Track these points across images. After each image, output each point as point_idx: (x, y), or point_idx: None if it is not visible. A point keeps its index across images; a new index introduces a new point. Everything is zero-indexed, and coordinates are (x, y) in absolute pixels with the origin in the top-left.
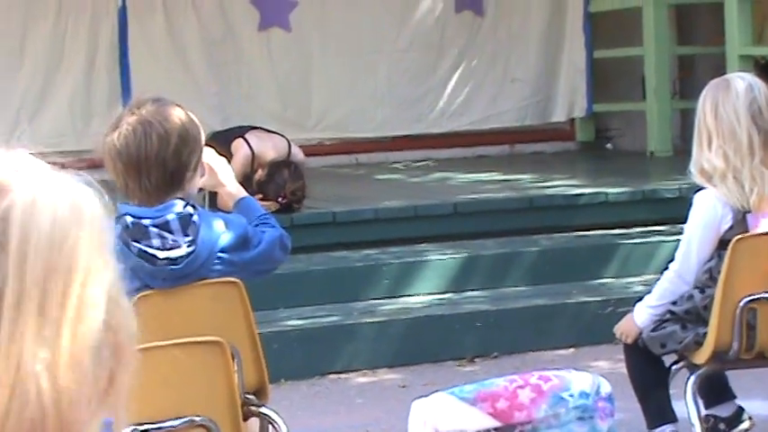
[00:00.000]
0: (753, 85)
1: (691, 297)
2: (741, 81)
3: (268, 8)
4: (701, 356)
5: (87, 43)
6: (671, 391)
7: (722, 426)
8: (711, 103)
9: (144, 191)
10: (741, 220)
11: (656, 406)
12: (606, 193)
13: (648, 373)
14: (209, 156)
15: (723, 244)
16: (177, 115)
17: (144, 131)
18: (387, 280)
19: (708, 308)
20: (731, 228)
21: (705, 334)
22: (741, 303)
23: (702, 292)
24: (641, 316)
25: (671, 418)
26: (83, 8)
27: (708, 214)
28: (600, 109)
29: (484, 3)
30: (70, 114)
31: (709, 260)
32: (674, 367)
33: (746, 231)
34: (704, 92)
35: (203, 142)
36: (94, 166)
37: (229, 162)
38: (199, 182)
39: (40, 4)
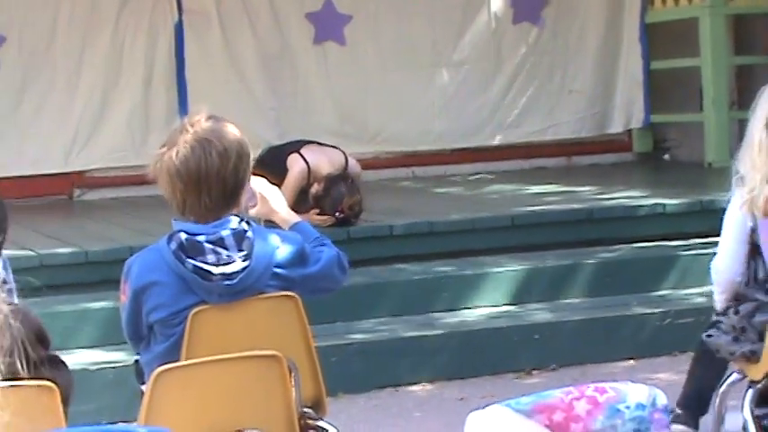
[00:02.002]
0: None
1: (735, 313)
2: None
3: (323, 22)
4: (758, 372)
5: (145, 59)
6: (731, 403)
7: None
8: (752, 110)
9: (204, 207)
10: (755, 227)
11: (696, 393)
12: (664, 205)
13: (706, 364)
14: (261, 185)
15: (756, 249)
16: (232, 132)
17: (203, 149)
18: (445, 293)
19: (745, 329)
20: (753, 230)
21: (752, 352)
22: None
23: (737, 312)
24: (715, 300)
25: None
26: (140, 24)
27: (735, 209)
28: (657, 120)
29: (543, 14)
30: (129, 129)
31: (746, 265)
32: (732, 377)
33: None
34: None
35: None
36: (150, 182)
37: (284, 178)
38: (251, 207)
39: (97, 20)
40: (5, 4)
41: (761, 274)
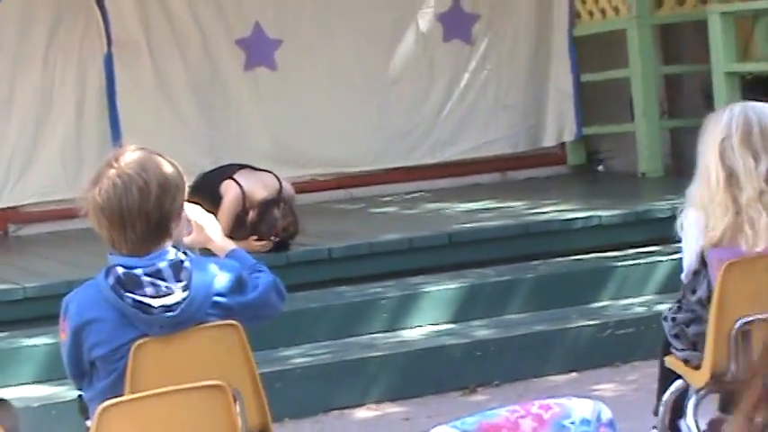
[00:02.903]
0: (731, 121)
1: (673, 320)
2: (728, 113)
3: (253, 48)
4: (700, 379)
5: (75, 92)
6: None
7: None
8: (701, 134)
9: (131, 242)
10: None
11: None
12: (600, 216)
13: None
14: (196, 212)
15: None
16: (156, 164)
17: (124, 185)
18: (385, 314)
19: (679, 336)
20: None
21: (685, 360)
22: (736, 326)
23: (674, 319)
24: None
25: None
26: (69, 57)
27: (693, 231)
28: (590, 132)
29: (473, 31)
30: (62, 163)
31: (696, 275)
32: (675, 386)
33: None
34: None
35: (185, 186)
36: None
37: (219, 205)
38: (186, 235)
39: (26, 54)
40: None
41: (702, 291)
